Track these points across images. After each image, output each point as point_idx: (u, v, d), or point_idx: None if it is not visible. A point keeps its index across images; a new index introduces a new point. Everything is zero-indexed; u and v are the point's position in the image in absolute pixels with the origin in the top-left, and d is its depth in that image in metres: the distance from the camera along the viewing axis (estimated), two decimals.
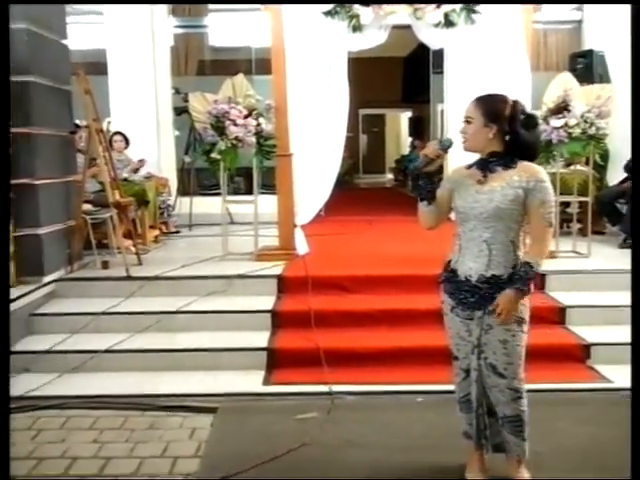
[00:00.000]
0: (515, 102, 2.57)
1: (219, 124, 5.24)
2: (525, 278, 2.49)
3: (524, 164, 2.54)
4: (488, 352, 2.60)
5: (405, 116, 18.14)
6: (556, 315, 4.41)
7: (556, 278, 4.75)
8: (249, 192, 6.92)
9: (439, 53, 7.74)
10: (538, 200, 2.48)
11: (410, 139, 16.40)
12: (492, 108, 2.54)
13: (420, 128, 14.93)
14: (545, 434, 3.20)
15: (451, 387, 3.71)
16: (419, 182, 2.64)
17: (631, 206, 2.49)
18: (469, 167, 2.66)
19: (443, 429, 3.27)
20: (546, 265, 4.99)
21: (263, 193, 6.04)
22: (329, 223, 7.29)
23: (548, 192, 2.50)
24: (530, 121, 2.57)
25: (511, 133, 2.52)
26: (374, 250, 5.82)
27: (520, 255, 2.55)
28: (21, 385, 3.82)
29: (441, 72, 8.10)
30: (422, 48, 6.74)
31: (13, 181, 4.48)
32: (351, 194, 11.67)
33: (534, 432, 3.14)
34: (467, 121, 2.59)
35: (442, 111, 8.68)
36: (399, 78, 15.13)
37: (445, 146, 2.64)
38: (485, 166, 2.58)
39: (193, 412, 3.52)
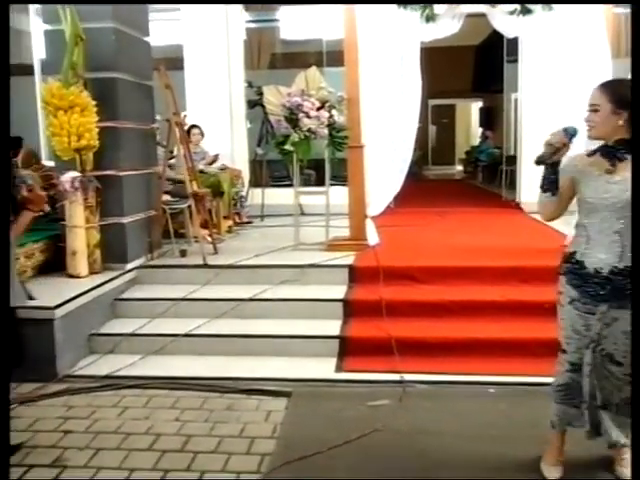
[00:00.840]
0: None
1: (292, 116, 5.34)
2: None
3: None
4: (607, 344, 2.56)
5: (476, 106, 17.77)
6: None
7: None
8: (319, 184, 7.03)
9: (513, 41, 7.58)
10: (632, 192, 2.38)
11: (480, 130, 16.07)
12: (621, 94, 2.44)
13: (491, 118, 14.60)
14: None
15: (525, 379, 3.73)
16: (545, 175, 2.57)
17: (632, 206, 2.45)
18: (590, 155, 2.58)
19: (515, 420, 3.28)
20: None
21: (333, 184, 6.11)
22: (399, 214, 7.29)
23: None
24: None
25: None
26: (444, 241, 5.79)
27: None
28: (106, 365, 4.07)
29: (515, 60, 7.93)
30: (495, 36, 6.59)
31: (101, 172, 4.77)
32: (420, 185, 11.57)
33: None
34: (594, 109, 2.49)
35: (516, 100, 8.46)
36: (470, 67, 14.82)
37: (570, 134, 2.57)
38: (613, 154, 2.49)
39: (268, 396, 3.65)
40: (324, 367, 3.99)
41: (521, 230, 6.60)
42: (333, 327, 4.28)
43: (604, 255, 2.49)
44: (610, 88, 2.48)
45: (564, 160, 2.58)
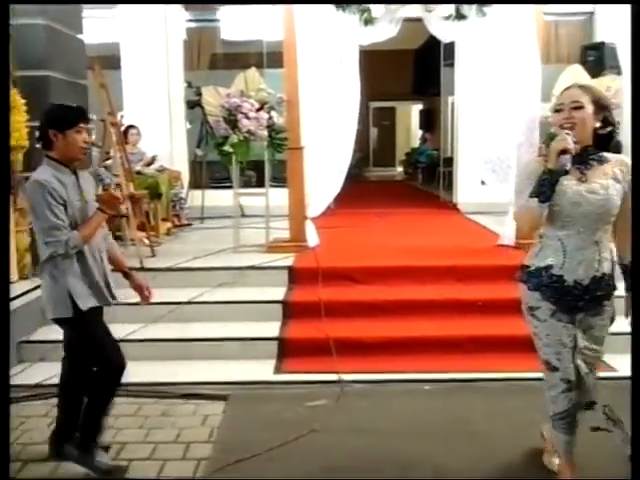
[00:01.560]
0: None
1: (231, 117, 5.31)
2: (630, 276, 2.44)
3: (617, 156, 2.45)
4: (583, 351, 2.52)
5: (416, 109, 18.10)
6: None
7: None
8: (260, 185, 7.01)
9: (450, 46, 7.75)
10: (631, 192, 2.39)
11: (420, 132, 16.38)
12: (600, 96, 2.41)
13: (430, 121, 14.90)
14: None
15: (459, 375, 3.83)
16: (547, 182, 2.36)
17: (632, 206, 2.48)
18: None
19: (448, 416, 3.36)
20: None
21: (274, 186, 6.11)
22: (339, 216, 7.35)
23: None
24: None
25: (613, 125, 2.43)
26: (383, 242, 5.88)
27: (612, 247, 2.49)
28: (36, 374, 3.92)
29: (452, 64, 8.11)
30: (433, 40, 6.73)
31: (31, 173, 4.59)
32: (361, 187, 11.69)
33: (535, 419, 3.22)
34: (576, 107, 2.36)
35: (452, 103, 8.66)
36: (410, 71, 15.10)
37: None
38: (580, 162, 2.40)
39: (206, 400, 3.61)
40: (263, 369, 3.98)
41: (457, 230, 6.77)
42: (272, 329, 4.28)
43: (584, 267, 2.43)
44: (590, 89, 2.44)
45: (529, 167, 2.50)
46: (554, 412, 2.59)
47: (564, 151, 2.31)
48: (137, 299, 3.15)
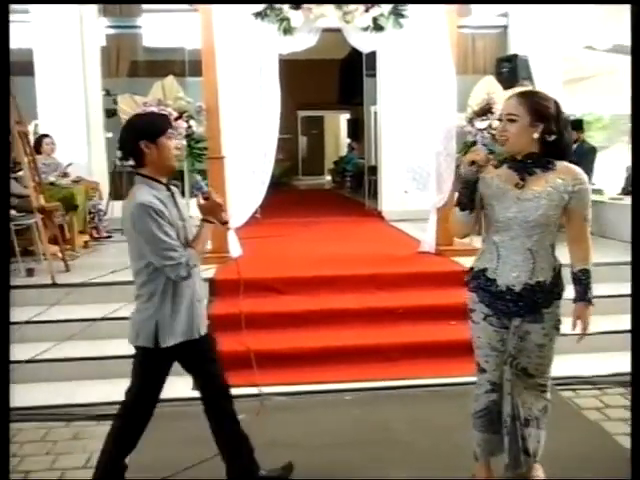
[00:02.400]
0: (556, 100, 2.45)
1: None
2: (588, 286, 2.45)
3: (563, 165, 2.42)
4: (522, 357, 2.51)
5: (344, 118, 18.31)
6: None
7: None
8: (184, 195, 6.86)
9: (372, 56, 7.87)
10: (583, 202, 2.40)
11: (348, 140, 16.56)
12: (539, 106, 2.39)
13: (357, 130, 15.10)
14: (465, 425, 3.31)
15: (380, 383, 3.85)
16: (464, 191, 2.48)
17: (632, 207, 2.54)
18: (497, 167, 2.50)
19: (370, 426, 3.37)
20: (471, 262, 5.27)
21: (196, 196, 5.93)
22: (265, 225, 7.31)
23: (588, 196, 2.42)
24: (568, 121, 2.49)
25: (557, 133, 2.39)
26: (307, 251, 5.87)
27: (557, 256, 2.49)
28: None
29: (374, 75, 8.23)
30: (356, 51, 6.81)
31: None
32: (289, 196, 11.71)
33: (457, 424, 3.27)
34: (510, 119, 2.41)
35: (375, 113, 8.79)
36: (336, 80, 15.26)
37: (489, 149, 2.60)
38: (522, 168, 2.43)
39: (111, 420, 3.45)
40: (181, 385, 3.80)
41: (380, 238, 6.85)
42: None
43: (516, 273, 2.44)
44: (528, 99, 2.42)
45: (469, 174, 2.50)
46: (474, 410, 2.64)
47: (474, 162, 2.41)
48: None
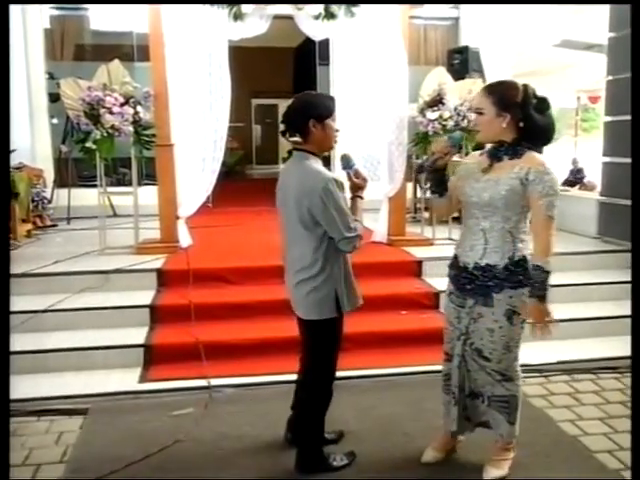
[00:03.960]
0: (525, 86, 2.51)
1: (93, 112, 5.00)
2: (540, 282, 2.45)
3: (530, 155, 2.49)
4: (475, 338, 2.62)
5: None
6: (430, 300, 4.60)
7: (431, 264, 4.95)
8: (137, 183, 6.67)
9: (325, 45, 7.81)
10: (537, 192, 2.42)
11: None
12: (503, 96, 2.48)
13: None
14: (414, 414, 3.33)
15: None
16: (430, 177, 2.68)
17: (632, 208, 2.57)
18: (481, 154, 2.65)
19: None
20: (423, 252, 5.31)
21: (148, 184, 5.81)
22: (217, 214, 7.20)
23: (548, 185, 2.43)
24: (542, 104, 2.50)
25: (525, 119, 2.47)
26: (259, 241, 5.77)
27: (520, 247, 2.51)
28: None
29: (327, 64, 8.17)
30: (310, 39, 6.74)
31: None
32: (242, 185, 11.57)
33: (406, 413, 3.29)
34: (479, 112, 2.53)
35: None
36: (291, 69, 15.12)
37: (454, 141, 2.66)
38: (493, 155, 2.55)
39: (62, 415, 3.35)
40: (127, 378, 3.76)
41: None
42: (138, 335, 4.07)
43: (470, 251, 2.59)
44: (493, 91, 2.52)
45: (429, 162, 2.68)
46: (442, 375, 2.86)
47: (433, 152, 2.70)
48: None
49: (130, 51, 8.25)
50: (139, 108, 5.14)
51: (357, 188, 2.72)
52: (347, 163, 2.73)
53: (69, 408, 3.40)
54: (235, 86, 5.47)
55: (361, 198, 2.74)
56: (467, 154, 5.78)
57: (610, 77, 5.87)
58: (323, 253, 2.59)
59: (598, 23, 6.36)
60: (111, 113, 4.97)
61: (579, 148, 10.75)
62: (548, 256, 2.46)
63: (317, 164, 2.60)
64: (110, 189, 6.87)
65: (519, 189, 2.45)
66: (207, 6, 5.23)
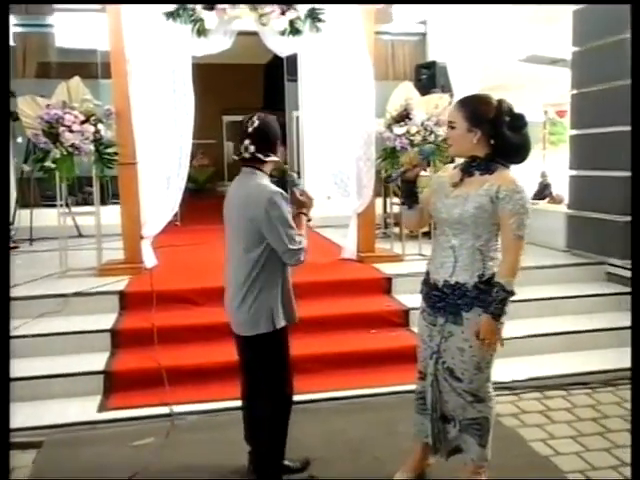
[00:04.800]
0: (500, 102, 2.45)
1: (52, 130, 4.86)
2: (498, 301, 2.38)
3: (502, 172, 2.43)
4: (447, 357, 2.55)
5: None
6: (400, 318, 4.53)
7: (401, 281, 4.88)
8: (103, 202, 6.52)
9: (293, 61, 7.76)
10: (507, 211, 2.37)
11: None
12: (475, 111, 2.44)
13: (284, 134, 14.96)
14: (385, 437, 3.24)
15: (302, 397, 3.70)
16: (403, 189, 2.68)
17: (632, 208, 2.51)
18: (454, 168, 2.60)
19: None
20: (393, 268, 5.24)
21: (115, 203, 5.66)
22: (185, 233, 7.08)
23: (519, 203, 2.37)
24: (516, 122, 2.44)
25: (496, 136, 2.42)
26: None
27: (490, 265, 2.44)
28: None
29: (295, 80, 8.13)
30: (279, 56, 6.70)
31: None
32: (212, 202, 11.30)
33: (376, 436, 3.19)
34: (450, 126, 2.50)
35: (297, 118, 8.70)
36: (260, 85, 15.09)
37: (424, 155, 2.65)
38: (464, 170, 2.51)
39: (14, 449, 3.17)
40: (86, 408, 3.61)
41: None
42: (98, 361, 3.91)
43: (440, 268, 2.53)
44: (465, 105, 2.48)
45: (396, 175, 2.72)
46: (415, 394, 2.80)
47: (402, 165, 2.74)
48: None
49: (94, 68, 8.13)
50: (100, 126, 5.01)
51: (301, 205, 2.75)
52: (292, 182, 2.80)
53: (22, 442, 3.22)
54: (206, 103, 5.40)
55: (305, 215, 2.76)
56: (436, 169, 5.78)
57: (575, 91, 5.91)
58: (262, 267, 2.60)
59: (563, 38, 6.42)
60: (71, 131, 4.83)
61: (547, 161, 10.85)
62: (512, 276, 2.40)
63: (265, 180, 2.64)
64: (75, 209, 6.74)
65: (488, 207, 2.40)
66: (170, 21, 5.13)
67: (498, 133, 2.42)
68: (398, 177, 2.66)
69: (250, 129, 2.60)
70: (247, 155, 2.60)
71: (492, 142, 2.44)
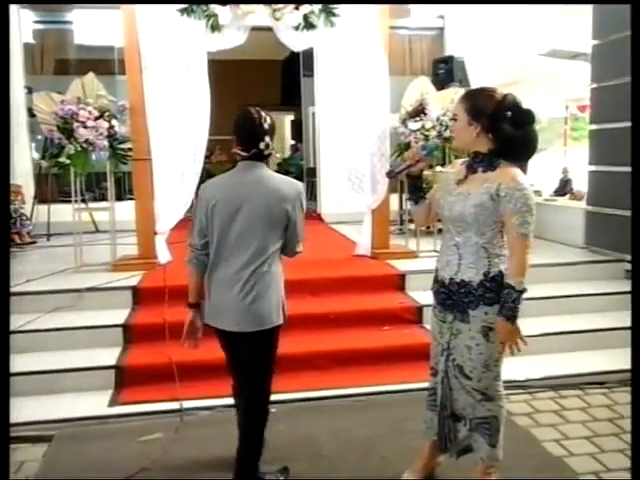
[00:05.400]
0: (504, 96, 2.38)
1: (67, 126, 4.89)
2: (510, 303, 2.33)
3: (504, 169, 2.36)
4: (456, 354, 2.53)
5: (288, 119, 18.10)
6: (414, 315, 4.48)
7: (415, 278, 4.83)
8: (119, 198, 6.56)
9: (309, 57, 7.72)
10: (509, 210, 2.31)
11: (293, 142, 16.38)
12: (475, 104, 2.39)
13: (301, 131, 14.93)
14: (393, 435, 3.20)
15: (308, 394, 3.71)
16: (409, 185, 2.65)
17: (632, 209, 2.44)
18: (462, 164, 2.55)
19: (294, 440, 3.21)
20: (407, 265, 5.19)
21: (131, 199, 5.70)
22: None
23: (520, 201, 2.30)
24: (521, 117, 2.37)
25: (495, 131, 2.36)
26: None
27: (496, 262, 2.40)
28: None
29: (312, 75, 8.09)
30: (295, 52, 6.68)
31: None
32: None
33: (382, 435, 3.16)
34: (454, 118, 2.49)
35: (313, 114, 8.66)
36: (278, 81, 15.07)
37: (428, 150, 2.61)
38: (469, 166, 2.47)
39: (24, 443, 3.20)
40: (97, 402, 3.62)
41: (318, 241, 6.69)
42: (110, 356, 3.93)
43: (446, 266, 2.51)
44: (468, 98, 2.45)
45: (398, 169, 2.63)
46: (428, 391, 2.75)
47: (405, 160, 2.62)
48: None
49: (112, 65, 8.17)
50: (114, 122, 5.02)
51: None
52: None
53: (33, 435, 3.25)
54: (224, 99, 5.40)
55: None
56: (450, 163, 5.71)
57: (594, 85, 5.80)
58: (277, 260, 2.63)
59: (583, 32, 6.30)
60: (85, 127, 4.86)
61: (569, 157, 10.68)
62: (522, 276, 2.34)
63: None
64: (91, 204, 6.78)
65: (489, 205, 2.35)
66: (184, 17, 5.13)
67: (497, 128, 2.35)
68: (399, 172, 2.61)
69: (266, 126, 2.58)
70: (268, 152, 2.59)
71: (491, 137, 2.38)
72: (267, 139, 2.57)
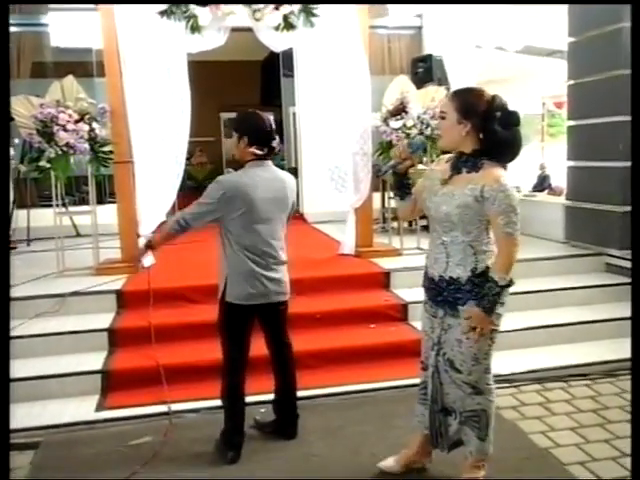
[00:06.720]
0: (493, 97, 2.41)
1: (46, 129, 4.84)
2: (490, 295, 2.37)
3: (488, 170, 2.39)
4: (447, 349, 2.56)
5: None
6: (399, 312, 4.51)
7: (399, 275, 4.86)
8: (100, 201, 6.50)
9: (289, 57, 7.73)
10: (493, 211, 2.35)
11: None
12: (466, 103, 2.40)
13: (282, 131, 14.92)
14: (382, 432, 3.22)
15: (300, 393, 3.69)
16: (395, 181, 2.71)
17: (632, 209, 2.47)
18: (447, 161, 2.56)
19: (284, 440, 3.20)
20: (391, 263, 5.22)
21: (112, 202, 5.67)
22: None
23: (504, 202, 2.33)
24: (509, 118, 2.39)
25: (485, 131, 2.39)
26: None
27: (482, 258, 2.43)
28: None
29: (292, 75, 8.10)
30: (275, 52, 6.68)
31: None
32: None
33: (371, 432, 3.18)
34: (441, 116, 2.48)
35: (294, 114, 8.67)
36: (258, 82, 15.03)
37: (414, 148, 2.62)
38: (454, 165, 2.48)
39: (12, 450, 3.14)
40: (83, 407, 3.59)
41: (301, 241, 6.69)
42: (96, 361, 3.90)
43: (435, 264, 2.54)
44: (458, 96, 2.46)
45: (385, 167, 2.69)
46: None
47: (392, 159, 2.67)
48: None
49: (90, 67, 8.10)
50: (95, 124, 4.99)
51: None
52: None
53: (19, 443, 3.21)
54: (203, 101, 5.37)
55: None
56: (432, 161, 5.75)
57: (571, 81, 5.88)
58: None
59: (558, 29, 6.39)
60: (65, 130, 4.82)
61: (547, 153, 10.82)
62: (506, 272, 2.39)
63: None
64: (72, 208, 6.72)
65: (474, 205, 2.39)
66: (163, 19, 5.11)
67: (487, 128, 2.39)
68: (387, 170, 2.65)
69: (274, 126, 2.98)
70: (277, 150, 2.96)
71: (481, 136, 2.42)
72: (277, 139, 2.98)
